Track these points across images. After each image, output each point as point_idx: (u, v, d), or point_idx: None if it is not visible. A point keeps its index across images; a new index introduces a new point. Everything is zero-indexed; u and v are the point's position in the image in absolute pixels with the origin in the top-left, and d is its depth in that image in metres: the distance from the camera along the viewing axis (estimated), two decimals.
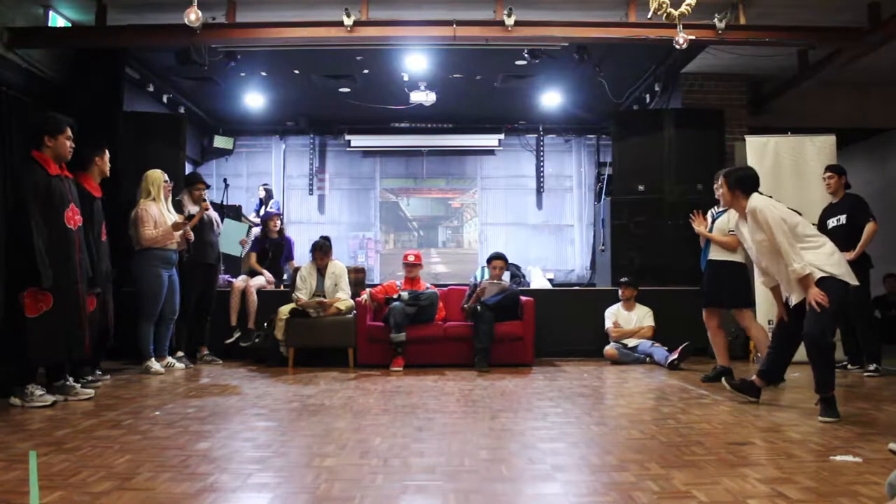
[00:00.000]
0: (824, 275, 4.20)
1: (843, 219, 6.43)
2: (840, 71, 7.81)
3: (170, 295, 6.47)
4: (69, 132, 4.97)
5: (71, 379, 5.07)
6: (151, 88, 9.05)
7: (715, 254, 5.83)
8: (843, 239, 6.38)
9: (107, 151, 5.73)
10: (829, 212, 6.60)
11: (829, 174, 6.59)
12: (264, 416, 4.39)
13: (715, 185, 5.81)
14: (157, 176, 6.54)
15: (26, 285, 4.66)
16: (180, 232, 6.46)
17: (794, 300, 4.40)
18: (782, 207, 4.48)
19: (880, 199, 10.19)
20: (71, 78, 7.53)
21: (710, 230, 5.91)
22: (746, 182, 4.60)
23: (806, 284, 4.21)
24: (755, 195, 4.53)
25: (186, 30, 6.38)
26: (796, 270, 4.19)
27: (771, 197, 4.67)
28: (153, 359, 6.35)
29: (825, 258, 4.26)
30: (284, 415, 4.41)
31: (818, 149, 7.40)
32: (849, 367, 6.53)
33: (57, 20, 7.13)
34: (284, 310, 6.99)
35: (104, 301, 5.62)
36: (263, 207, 10.47)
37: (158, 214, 6.39)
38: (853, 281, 4.28)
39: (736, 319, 5.92)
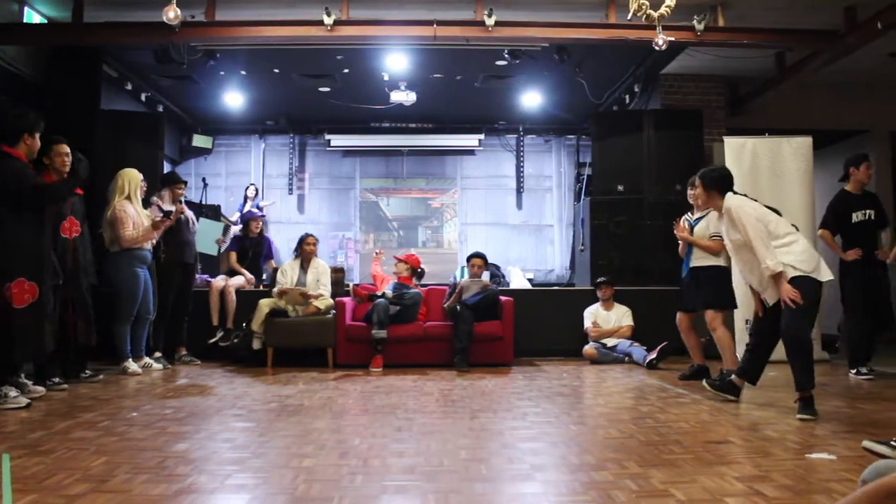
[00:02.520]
0: (797, 273, 4.28)
1: (871, 214, 6.26)
2: (817, 73, 7.89)
3: (145, 295, 6.42)
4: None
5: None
6: (129, 87, 8.98)
7: (698, 260, 5.77)
8: (869, 234, 6.30)
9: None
10: (854, 204, 6.30)
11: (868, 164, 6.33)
12: (243, 416, 4.36)
13: (689, 191, 5.87)
14: (134, 175, 6.46)
15: (13, 276, 4.64)
16: (160, 231, 6.40)
17: (770, 299, 4.47)
18: (757, 206, 4.54)
19: None
20: (47, 75, 7.47)
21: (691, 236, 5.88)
22: (721, 182, 4.65)
23: (778, 282, 4.28)
24: (730, 194, 4.58)
25: (165, 28, 6.35)
26: (769, 268, 4.26)
27: (746, 196, 4.69)
28: (130, 359, 6.29)
29: (797, 256, 4.33)
30: (263, 415, 4.38)
31: (795, 150, 7.47)
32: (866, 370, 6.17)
33: (32, 16, 7.05)
34: (266, 302, 6.95)
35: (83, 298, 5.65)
36: (248, 203, 10.41)
37: (135, 214, 6.33)
38: (826, 277, 4.36)
39: (706, 319, 5.85)
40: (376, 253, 8.02)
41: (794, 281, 4.27)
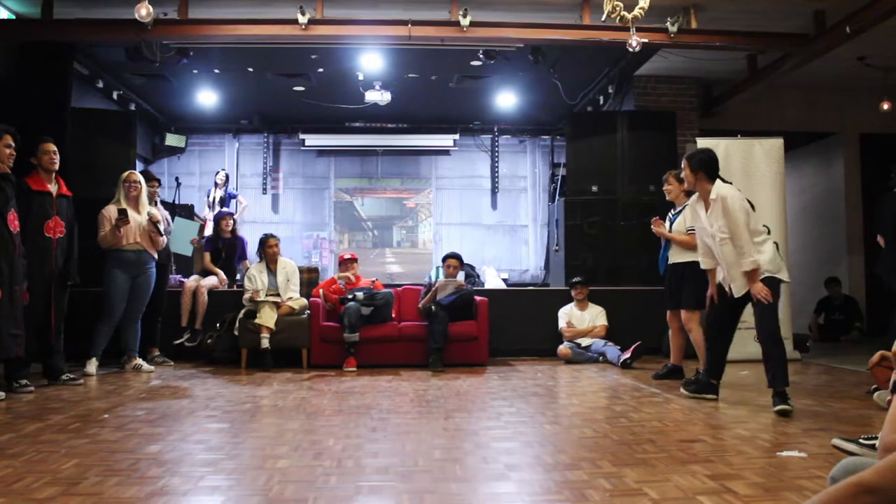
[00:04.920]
0: (766, 274, 4.45)
1: None
2: (788, 75, 8.00)
3: (134, 296, 6.41)
4: (9, 139, 4.91)
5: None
6: (101, 84, 8.87)
7: (676, 256, 5.81)
8: None
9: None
10: None
11: None
12: (216, 417, 4.33)
13: (666, 187, 5.94)
14: (121, 177, 6.47)
15: None
16: (125, 228, 6.28)
17: (736, 292, 4.61)
18: (745, 199, 4.64)
19: (825, 201, 10.48)
20: (16, 73, 7.33)
21: (669, 232, 5.91)
22: (709, 165, 4.73)
23: (752, 279, 4.44)
24: (721, 183, 4.67)
25: (137, 25, 6.29)
26: (753, 262, 4.41)
27: (731, 183, 4.75)
28: (94, 359, 6.23)
29: (766, 256, 4.49)
30: (237, 416, 4.35)
31: (766, 151, 7.54)
32: None
33: (0, 12, 6.94)
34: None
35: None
36: (215, 189, 10.17)
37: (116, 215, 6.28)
38: (786, 278, 4.58)
39: (682, 319, 5.89)
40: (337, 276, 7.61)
41: (763, 280, 4.43)
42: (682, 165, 4.88)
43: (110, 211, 6.28)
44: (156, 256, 6.58)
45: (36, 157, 5.54)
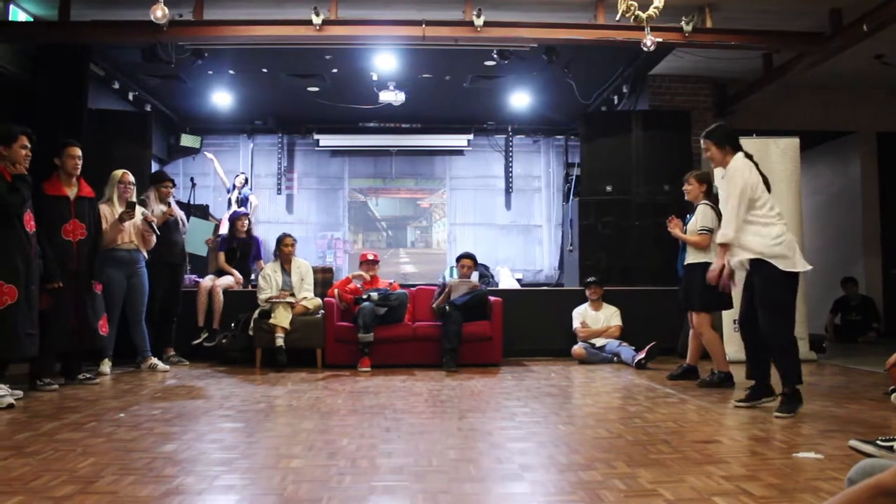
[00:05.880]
0: (754, 256, 4.27)
1: None
2: (803, 74, 7.94)
3: (131, 297, 6.42)
4: (24, 140, 4.91)
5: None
6: (117, 86, 8.92)
7: (691, 257, 5.76)
8: None
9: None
10: None
11: None
12: (231, 417, 4.35)
13: (685, 187, 5.88)
14: (113, 176, 6.44)
15: None
16: (126, 224, 6.27)
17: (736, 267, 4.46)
18: (756, 176, 4.41)
19: (841, 201, 10.41)
20: (33, 74, 7.40)
21: (684, 233, 5.86)
22: (732, 137, 4.58)
23: (719, 254, 4.34)
24: (741, 156, 4.47)
25: (152, 26, 6.33)
26: (724, 235, 4.30)
27: (755, 164, 4.51)
28: (105, 359, 6.28)
29: (764, 240, 4.27)
30: (251, 416, 4.37)
31: (782, 151, 7.49)
32: None
33: (18, 14, 7.01)
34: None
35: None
36: (235, 191, 10.21)
37: (110, 215, 6.26)
38: (794, 268, 4.29)
39: (692, 319, 5.86)
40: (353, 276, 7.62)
41: (756, 263, 4.29)
42: (704, 147, 4.66)
43: (104, 210, 6.22)
44: (146, 256, 6.56)
45: (60, 159, 5.56)
